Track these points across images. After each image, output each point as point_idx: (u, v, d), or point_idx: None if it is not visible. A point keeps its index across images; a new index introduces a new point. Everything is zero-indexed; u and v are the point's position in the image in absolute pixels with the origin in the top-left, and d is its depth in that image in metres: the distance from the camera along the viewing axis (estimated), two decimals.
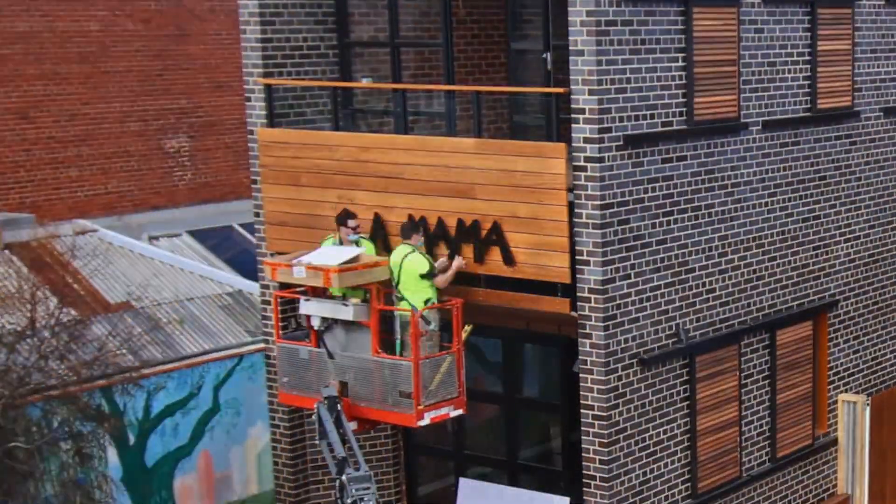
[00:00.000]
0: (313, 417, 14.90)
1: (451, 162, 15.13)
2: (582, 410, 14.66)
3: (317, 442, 15.02)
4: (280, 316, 16.19)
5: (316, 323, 15.18)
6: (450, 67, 16.55)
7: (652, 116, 14.72)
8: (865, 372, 18.65)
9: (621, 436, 14.73)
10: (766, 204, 16.48)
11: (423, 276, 14.69)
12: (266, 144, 16.60)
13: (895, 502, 19.09)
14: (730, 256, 16.01)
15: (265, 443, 19.89)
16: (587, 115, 14.10)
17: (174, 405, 19.98)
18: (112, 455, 18.98)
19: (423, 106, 17.44)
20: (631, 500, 14.97)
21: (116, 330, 19.13)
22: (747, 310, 16.35)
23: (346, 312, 14.96)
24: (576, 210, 14.34)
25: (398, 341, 14.91)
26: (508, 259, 14.83)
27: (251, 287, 21.60)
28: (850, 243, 17.99)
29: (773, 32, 16.26)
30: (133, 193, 26.00)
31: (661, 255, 15.06)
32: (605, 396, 14.48)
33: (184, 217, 25.76)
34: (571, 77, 14.18)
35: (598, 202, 14.19)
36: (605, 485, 14.64)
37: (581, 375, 14.63)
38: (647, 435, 15.08)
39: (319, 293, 15.34)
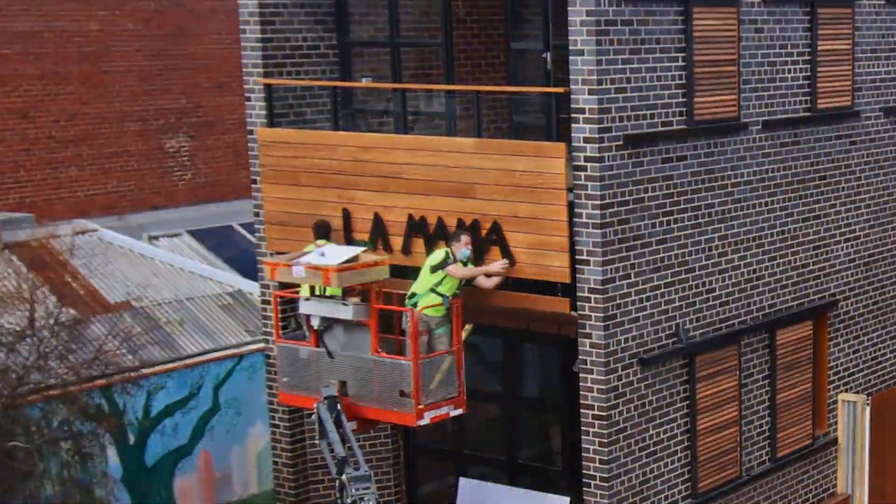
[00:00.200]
0: (313, 417, 14.90)
1: (451, 162, 15.13)
2: (582, 410, 14.66)
3: (317, 442, 15.02)
4: (280, 316, 16.19)
5: (315, 323, 15.18)
6: (450, 67, 16.55)
7: (652, 116, 14.72)
8: (865, 372, 18.65)
9: (621, 436, 14.72)
10: (766, 204, 16.48)
11: (434, 267, 14.66)
12: (266, 144, 16.60)
13: (895, 502, 19.09)
14: (730, 256, 16.01)
15: (265, 443, 19.89)
16: (587, 115, 14.09)
17: (174, 405, 19.98)
18: (112, 455, 18.98)
19: (423, 106, 17.44)
20: (631, 500, 14.97)
21: (116, 330, 19.13)
22: (747, 310, 16.35)
23: (346, 312, 14.95)
24: (576, 210, 14.34)
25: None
26: (508, 259, 14.82)
27: (251, 287, 21.60)
28: (850, 243, 17.99)
29: (773, 32, 16.26)
30: (133, 193, 26.02)
31: (661, 255, 15.05)
32: (605, 396, 14.48)
33: (184, 217, 25.77)
34: (571, 77, 14.18)
35: (598, 202, 14.19)
36: (605, 485, 14.64)
37: (581, 375, 14.63)
38: (647, 435, 15.07)
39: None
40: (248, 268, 21.66)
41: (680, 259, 15.30)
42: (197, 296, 21.70)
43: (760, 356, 16.68)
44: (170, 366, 19.92)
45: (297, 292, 15.76)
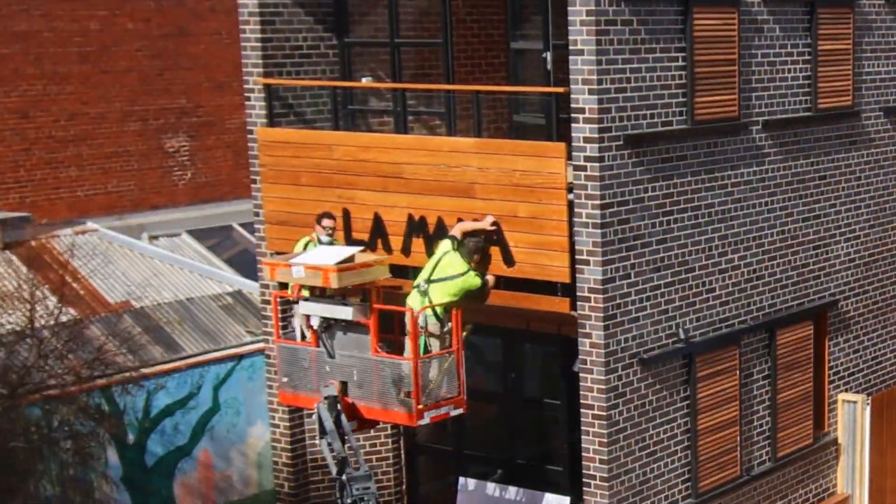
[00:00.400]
0: (313, 417, 14.89)
1: (451, 161, 15.13)
2: (582, 410, 14.66)
3: (317, 442, 15.01)
4: (280, 316, 16.18)
5: (315, 323, 15.17)
6: (450, 67, 16.54)
7: (652, 116, 14.71)
8: (865, 372, 18.64)
9: (621, 435, 14.72)
10: (766, 204, 16.48)
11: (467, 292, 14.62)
12: (266, 144, 16.59)
13: (895, 501, 19.08)
14: (730, 256, 16.00)
15: (265, 443, 19.90)
16: (587, 115, 14.09)
17: (174, 405, 20.00)
18: (112, 455, 18.99)
19: (423, 106, 17.43)
20: (631, 500, 14.97)
21: (116, 330, 19.14)
22: (747, 309, 16.34)
23: (346, 312, 14.95)
24: (576, 210, 14.33)
25: (423, 339, 14.84)
26: (508, 259, 14.82)
27: (251, 287, 21.61)
28: (850, 243, 17.99)
29: (773, 32, 16.26)
30: (133, 193, 26.01)
31: (661, 255, 15.05)
32: (605, 396, 14.47)
33: (184, 217, 25.77)
34: (571, 76, 14.18)
35: (598, 202, 14.18)
36: (605, 485, 14.63)
37: (581, 375, 14.62)
38: (647, 434, 15.07)
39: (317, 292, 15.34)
40: (248, 268, 21.67)
41: (680, 259, 15.30)
42: (197, 296, 21.70)
43: (760, 356, 16.68)
44: (170, 366, 19.93)
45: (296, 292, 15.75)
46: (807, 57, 16.78)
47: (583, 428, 14.68)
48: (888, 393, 19.00)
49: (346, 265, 14.69)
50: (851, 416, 18.09)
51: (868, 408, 18.13)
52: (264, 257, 16.78)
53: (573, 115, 14.18)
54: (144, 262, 22.03)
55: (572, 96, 14.16)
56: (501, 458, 17.02)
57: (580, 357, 14.57)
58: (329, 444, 14.34)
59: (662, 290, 15.09)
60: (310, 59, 16.96)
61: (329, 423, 14.40)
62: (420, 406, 14.48)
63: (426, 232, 15.34)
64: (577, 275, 14.43)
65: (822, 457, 17.93)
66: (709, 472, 15.97)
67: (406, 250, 15.52)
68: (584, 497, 14.83)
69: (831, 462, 18.13)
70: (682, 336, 15.32)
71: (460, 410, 14.95)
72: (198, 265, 22.83)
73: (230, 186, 27.37)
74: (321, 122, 17.05)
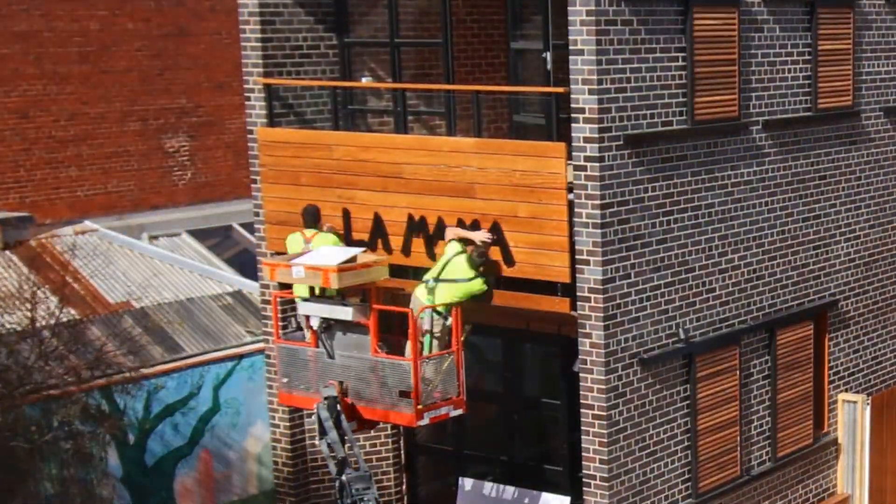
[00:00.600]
0: (313, 417, 14.89)
1: (451, 161, 15.13)
2: (582, 410, 14.66)
3: (317, 442, 15.01)
4: (280, 316, 16.18)
5: (315, 323, 15.17)
6: (450, 67, 16.54)
7: (652, 116, 14.72)
8: (865, 372, 18.65)
9: (621, 435, 14.72)
10: (766, 204, 16.48)
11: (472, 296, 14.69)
12: (266, 144, 16.59)
13: (895, 501, 19.08)
14: (730, 256, 16.01)
15: (265, 443, 19.90)
16: (587, 115, 14.09)
17: (174, 405, 19.99)
18: (112, 455, 18.99)
19: (423, 106, 17.44)
20: (631, 500, 14.97)
21: (116, 330, 19.14)
22: (747, 309, 16.35)
23: (345, 313, 14.95)
24: (576, 209, 14.33)
25: (427, 336, 14.86)
26: (508, 259, 14.82)
27: (251, 287, 21.61)
28: (850, 243, 17.99)
29: (773, 32, 16.26)
30: (133, 193, 26.00)
31: (662, 255, 15.05)
32: (605, 396, 14.47)
33: (184, 217, 25.77)
34: (571, 76, 14.18)
35: (598, 202, 14.18)
36: (605, 485, 14.64)
37: (581, 375, 14.62)
38: (647, 434, 15.07)
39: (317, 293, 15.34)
40: (248, 268, 21.67)
41: (680, 259, 15.30)
42: (197, 296, 21.70)
43: (761, 356, 16.68)
44: (170, 366, 19.93)
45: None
46: (807, 57, 16.78)
47: (583, 428, 14.68)
48: (888, 393, 19.00)
49: (346, 265, 14.70)
50: (851, 416, 18.09)
51: (868, 408, 18.13)
52: (264, 257, 16.78)
53: (573, 115, 14.18)
54: (144, 263, 22.03)
55: (572, 96, 14.16)
56: (501, 459, 17.03)
57: (580, 357, 14.57)
58: (329, 445, 14.34)
59: (662, 290, 15.09)
60: (310, 59, 16.96)
61: (329, 424, 14.41)
62: (420, 406, 14.48)
63: (426, 232, 15.34)
64: (577, 275, 14.43)
65: (821, 457, 17.93)
66: (709, 472, 15.97)
67: (406, 250, 15.52)
68: (584, 497, 14.83)
69: (831, 462, 18.13)
70: (682, 336, 15.32)
71: (460, 411, 14.97)
72: (198, 265, 22.83)
73: (230, 186, 27.37)
74: (321, 122, 17.05)
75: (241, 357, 20.76)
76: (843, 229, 17.82)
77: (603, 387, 14.45)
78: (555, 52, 15.45)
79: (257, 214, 17.06)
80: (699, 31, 15.11)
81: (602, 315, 14.36)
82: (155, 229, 24.71)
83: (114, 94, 25.61)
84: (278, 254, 16.36)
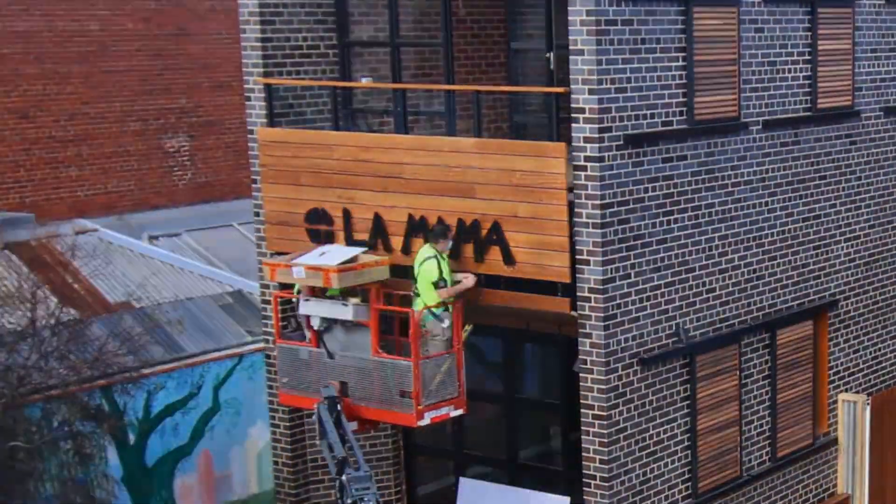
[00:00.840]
0: (313, 417, 14.90)
1: (451, 162, 15.13)
2: (582, 410, 14.66)
3: (317, 442, 15.01)
4: (280, 316, 16.17)
5: (316, 323, 15.17)
6: (450, 67, 16.54)
7: (652, 116, 14.72)
8: (865, 372, 18.65)
9: (621, 435, 14.72)
10: (766, 204, 16.48)
11: (432, 284, 14.73)
12: (266, 144, 16.59)
13: (895, 502, 19.09)
14: (730, 256, 16.01)
15: (265, 443, 19.90)
16: (587, 115, 14.09)
17: (174, 405, 20.00)
18: (112, 455, 18.99)
19: (423, 106, 17.44)
20: (631, 500, 14.97)
21: (117, 330, 19.14)
22: (747, 309, 16.35)
23: (346, 312, 14.95)
24: (576, 209, 14.34)
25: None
26: (508, 259, 14.83)
27: (251, 287, 21.61)
28: (850, 243, 17.99)
29: (773, 32, 16.26)
30: (133, 193, 26.03)
31: (662, 255, 15.05)
32: (605, 396, 14.48)
33: (184, 217, 25.78)
34: (571, 76, 14.18)
35: (598, 202, 14.19)
36: (605, 485, 14.64)
37: (581, 375, 14.63)
38: (647, 434, 15.07)
39: (318, 293, 15.34)
40: (248, 268, 21.67)
41: (680, 259, 15.30)
42: (197, 296, 21.70)
43: (760, 356, 16.68)
44: (170, 366, 19.93)
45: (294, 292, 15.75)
46: (807, 57, 16.78)
47: (583, 428, 14.69)
48: (888, 393, 19.01)
49: (346, 266, 14.71)
50: (851, 416, 18.09)
51: (868, 408, 18.13)
52: (264, 257, 16.78)
53: (573, 115, 14.18)
54: (144, 262, 22.03)
55: (572, 96, 14.16)
56: (501, 459, 17.03)
57: (580, 357, 14.57)
58: (329, 445, 14.35)
59: (662, 290, 15.09)
60: (310, 59, 16.96)
61: (329, 424, 14.41)
62: (420, 406, 14.49)
63: (426, 232, 15.33)
64: (578, 275, 14.43)
65: (821, 457, 17.94)
66: (709, 473, 15.98)
67: (406, 250, 15.51)
68: (584, 497, 14.83)
69: (831, 462, 18.13)
70: (682, 336, 15.33)
71: (460, 411, 14.97)
72: (198, 265, 22.83)
73: (230, 186, 27.38)
74: (321, 122, 17.05)
75: (241, 357, 20.76)
76: (843, 229, 17.82)
77: (603, 387, 14.46)
78: (555, 52, 15.46)
79: (257, 214, 17.06)
80: (699, 31, 15.11)
81: (602, 315, 14.36)
82: (155, 229, 24.72)
83: (114, 94, 25.63)
84: (279, 254, 16.36)
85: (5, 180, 24.13)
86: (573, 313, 14.60)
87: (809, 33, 16.76)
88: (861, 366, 18.53)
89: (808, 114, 16.93)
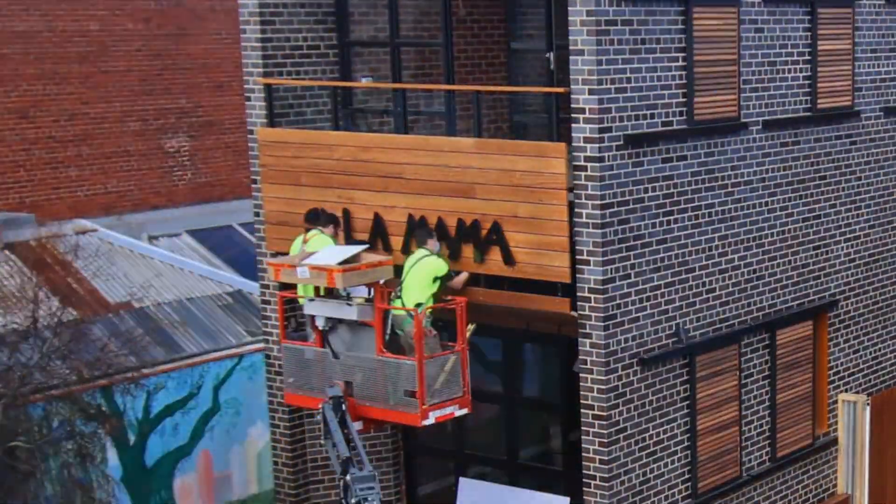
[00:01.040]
0: (318, 417, 14.89)
1: (451, 162, 15.14)
2: (582, 410, 14.67)
3: (321, 442, 15.00)
4: (284, 316, 16.15)
5: (320, 323, 15.17)
6: (450, 67, 16.56)
7: (652, 116, 14.73)
8: (865, 372, 18.66)
9: (621, 436, 14.73)
10: (766, 204, 16.49)
11: (438, 278, 14.70)
12: (266, 144, 16.60)
13: (895, 502, 19.10)
14: (730, 256, 16.02)
15: (265, 443, 19.90)
16: (587, 115, 14.10)
17: (174, 405, 20.00)
18: (112, 455, 18.99)
19: (423, 106, 17.44)
20: (631, 500, 14.98)
21: (117, 330, 19.15)
22: (747, 310, 16.36)
23: (351, 312, 14.95)
24: (576, 210, 14.34)
25: (387, 338, 14.87)
26: (508, 259, 14.83)
27: (251, 287, 21.62)
28: (850, 243, 18.00)
29: (773, 32, 16.27)
30: (133, 193, 26.02)
31: (662, 255, 15.06)
32: (605, 396, 14.48)
33: (184, 217, 25.78)
34: (571, 77, 14.18)
35: (599, 202, 14.20)
36: (605, 485, 14.65)
37: (581, 375, 14.63)
38: (647, 435, 15.08)
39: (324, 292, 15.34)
40: (248, 268, 21.68)
41: (680, 259, 15.31)
42: (197, 296, 21.71)
43: (760, 356, 16.69)
44: (170, 366, 19.93)
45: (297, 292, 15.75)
46: (807, 57, 16.79)
47: (583, 428, 14.69)
48: (888, 393, 19.02)
49: (350, 266, 14.69)
50: (851, 416, 18.10)
51: (868, 408, 18.14)
52: (265, 257, 16.78)
53: (573, 115, 14.19)
54: (145, 263, 22.03)
55: (572, 96, 14.17)
56: (501, 459, 17.04)
57: (580, 357, 14.58)
58: (333, 445, 14.34)
59: (662, 290, 15.10)
60: (310, 59, 16.97)
61: (334, 424, 14.40)
62: (425, 406, 14.48)
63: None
64: (578, 275, 14.44)
65: (821, 457, 17.94)
66: (709, 473, 15.98)
67: (406, 250, 15.52)
68: (584, 497, 14.84)
69: (831, 462, 18.14)
70: (682, 336, 15.33)
71: (465, 410, 14.96)
72: (198, 265, 22.83)
73: (230, 186, 27.39)
74: (321, 122, 17.06)
75: (241, 357, 20.76)
76: (843, 229, 17.83)
77: (603, 387, 14.46)
78: (556, 53, 15.47)
79: (257, 214, 17.06)
80: (699, 31, 15.12)
81: (602, 315, 14.37)
82: (155, 229, 24.72)
83: (114, 94, 25.63)
84: (278, 254, 16.36)
85: (5, 180, 24.13)
86: (573, 313, 14.61)
87: (809, 33, 16.77)
88: (861, 366, 18.54)
89: (808, 114, 16.94)
